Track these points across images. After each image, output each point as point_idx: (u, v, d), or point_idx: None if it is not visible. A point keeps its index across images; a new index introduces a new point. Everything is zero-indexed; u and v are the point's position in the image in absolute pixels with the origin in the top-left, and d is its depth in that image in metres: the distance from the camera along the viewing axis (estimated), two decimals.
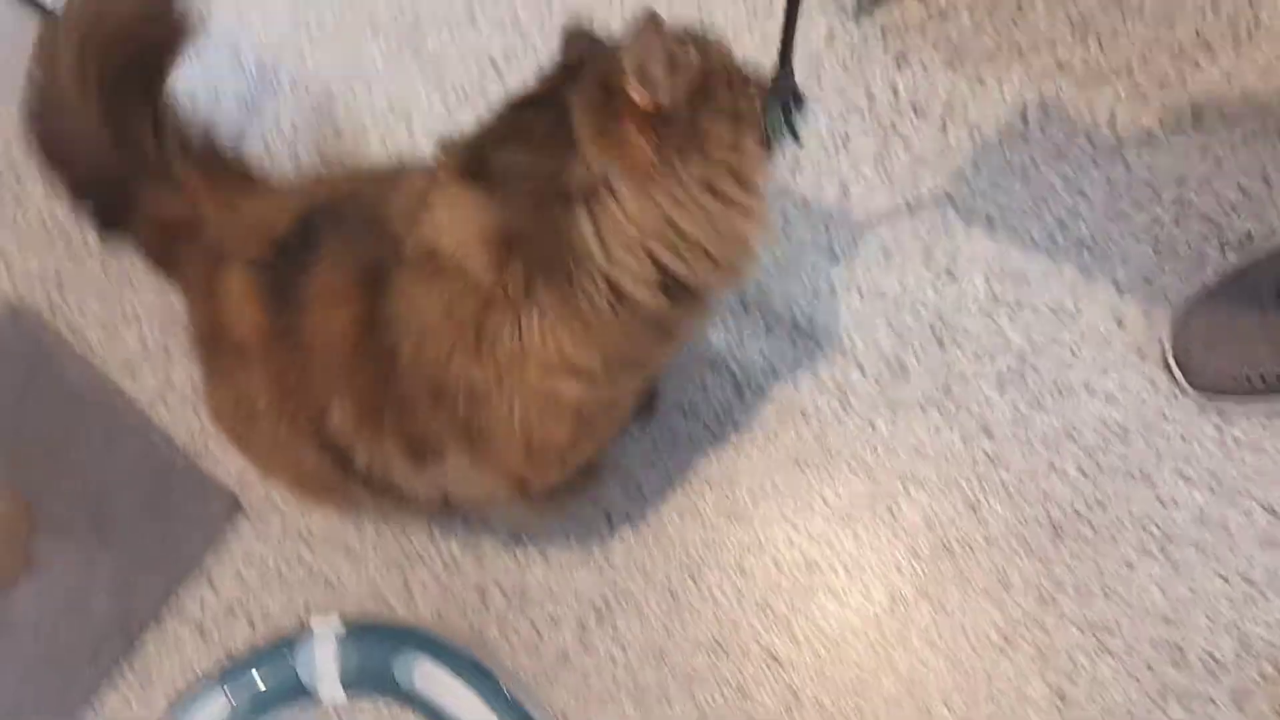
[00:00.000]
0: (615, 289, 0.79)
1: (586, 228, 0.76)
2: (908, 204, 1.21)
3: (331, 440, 0.90)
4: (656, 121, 0.75)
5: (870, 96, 1.25)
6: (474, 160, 0.80)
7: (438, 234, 0.80)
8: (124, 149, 1.02)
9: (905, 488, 1.15)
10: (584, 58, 0.81)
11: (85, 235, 1.43)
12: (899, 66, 1.25)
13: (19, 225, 1.45)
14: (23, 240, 1.44)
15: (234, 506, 1.28)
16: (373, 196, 0.89)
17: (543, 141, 0.77)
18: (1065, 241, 1.17)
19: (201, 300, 0.97)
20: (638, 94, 0.74)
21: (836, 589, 1.15)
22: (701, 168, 0.78)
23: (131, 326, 1.38)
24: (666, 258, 0.79)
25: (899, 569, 1.14)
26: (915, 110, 1.24)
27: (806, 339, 1.21)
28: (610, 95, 0.75)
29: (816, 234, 1.23)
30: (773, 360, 1.21)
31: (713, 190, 0.79)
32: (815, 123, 1.25)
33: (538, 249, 0.77)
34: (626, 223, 0.76)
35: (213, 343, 0.97)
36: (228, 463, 1.30)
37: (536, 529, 1.21)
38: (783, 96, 0.85)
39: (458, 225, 0.79)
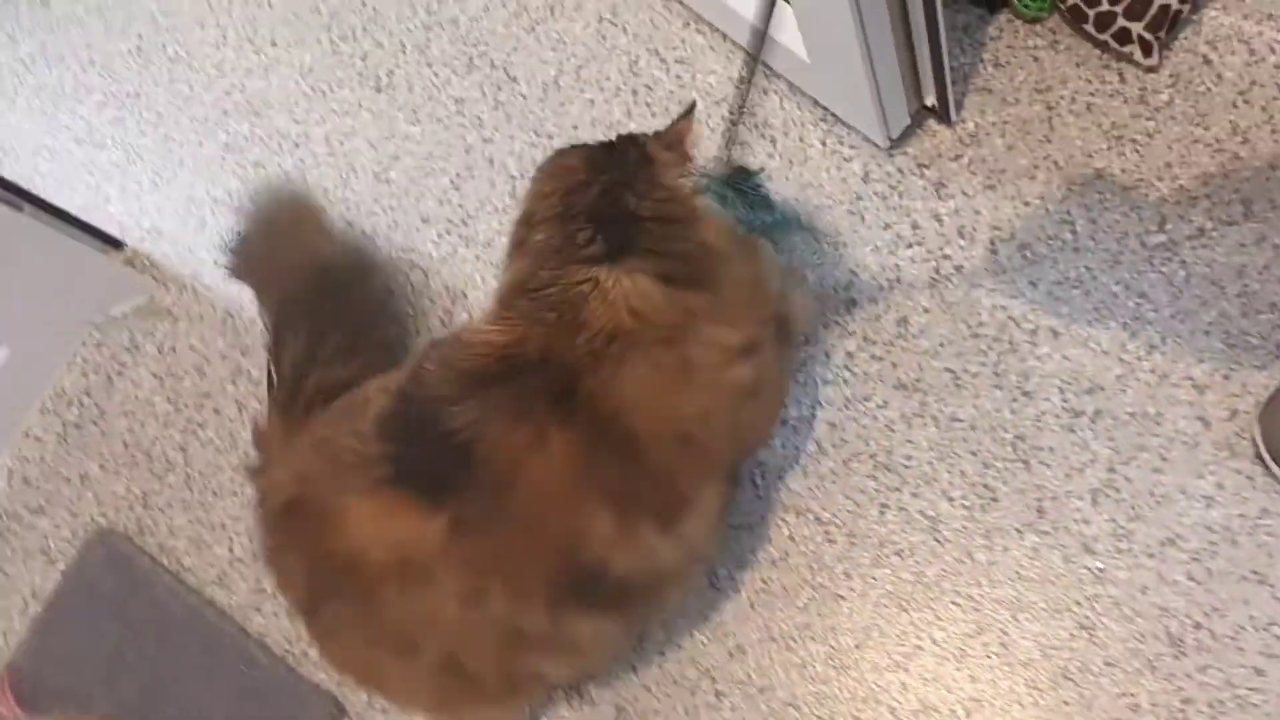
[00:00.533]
0: (729, 264, 0.99)
1: (709, 231, 0.98)
2: (969, 327, 1.22)
3: (586, 568, 0.93)
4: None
5: (915, 227, 1.27)
6: (620, 241, 0.94)
7: (615, 316, 0.90)
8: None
9: (1014, 616, 1.13)
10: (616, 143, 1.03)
11: (166, 452, 1.47)
12: (939, 195, 1.27)
13: (102, 452, 1.49)
14: (107, 465, 1.48)
15: (337, 712, 1.27)
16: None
17: (645, 193, 0.97)
18: (1135, 346, 1.17)
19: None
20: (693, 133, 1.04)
21: None
22: None
23: (220, 537, 1.41)
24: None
25: (1020, 703, 1.11)
26: (962, 235, 1.25)
27: (887, 473, 1.20)
28: (681, 137, 1.03)
29: (881, 368, 1.23)
30: (855, 498, 1.20)
31: None
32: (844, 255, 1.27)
33: (686, 269, 0.94)
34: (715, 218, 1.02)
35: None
36: (326, 666, 1.30)
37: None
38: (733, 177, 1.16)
39: (632, 298, 0.91)
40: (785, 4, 1.23)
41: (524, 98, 1.49)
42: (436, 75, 1.54)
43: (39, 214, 1.42)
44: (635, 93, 1.44)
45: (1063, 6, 1.25)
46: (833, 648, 1.17)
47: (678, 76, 1.42)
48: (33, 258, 1.41)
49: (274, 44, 1.64)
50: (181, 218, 1.59)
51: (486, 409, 0.90)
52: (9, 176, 1.55)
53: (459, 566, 0.92)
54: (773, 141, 1.35)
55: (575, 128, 1.45)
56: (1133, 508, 1.12)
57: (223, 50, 1.66)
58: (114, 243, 1.56)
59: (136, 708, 1.31)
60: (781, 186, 1.33)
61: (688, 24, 1.44)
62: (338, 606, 0.99)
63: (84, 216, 1.54)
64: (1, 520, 1.49)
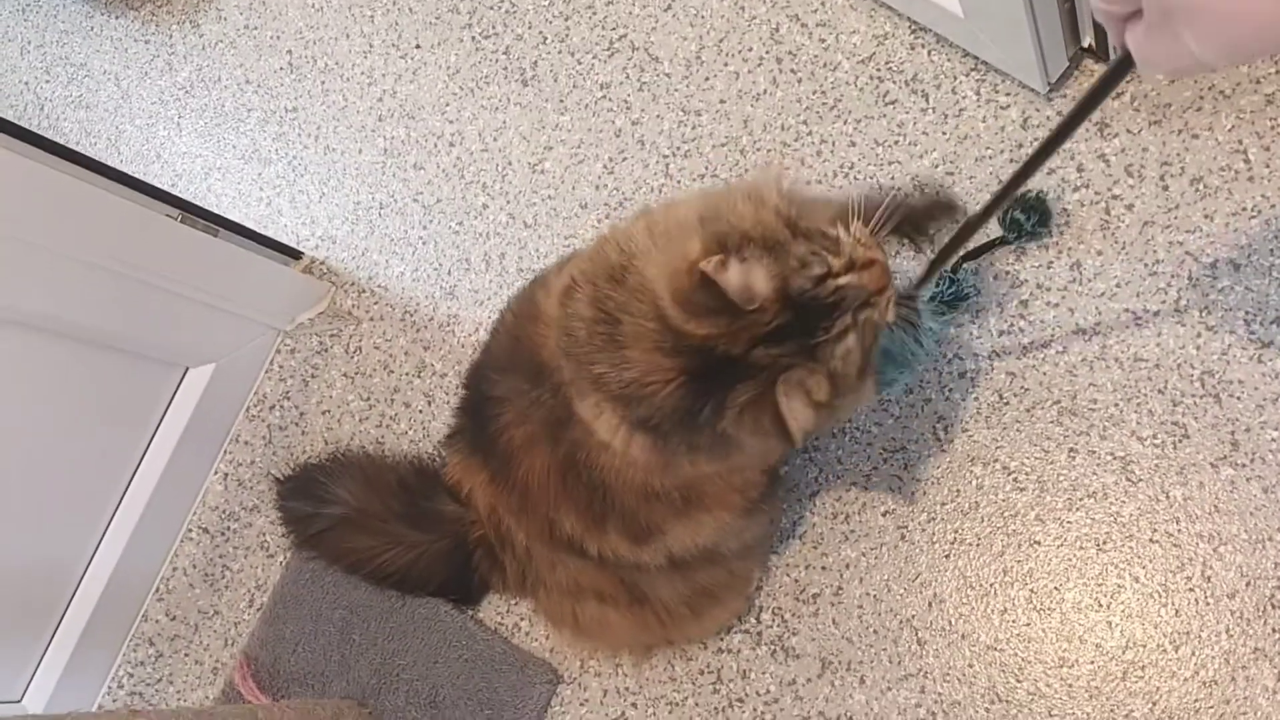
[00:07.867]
0: None
1: None
2: (1145, 266, 1.22)
3: (565, 541, 1.06)
4: None
5: (1081, 169, 1.27)
6: None
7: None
8: None
9: (1215, 550, 1.14)
10: None
11: (364, 446, 1.56)
12: (1102, 135, 1.27)
13: (306, 450, 1.60)
14: (311, 461, 1.59)
15: (554, 678, 1.36)
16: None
17: None
18: None
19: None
20: None
21: (1167, 666, 1.14)
22: None
23: None
24: None
25: (1227, 633, 1.12)
26: (1130, 174, 1.25)
27: (1072, 417, 1.22)
28: None
29: (1058, 314, 1.24)
30: (1042, 445, 1.22)
31: None
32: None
33: None
34: None
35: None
36: (539, 636, 1.38)
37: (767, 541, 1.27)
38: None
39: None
40: None
41: (668, 76, 1.52)
42: (579, 63, 1.58)
43: (230, 236, 1.51)
44: (779, 60, 1.46)
45: None
46: (1032, 591, 1.20)
47: (821, 40, 1.44)
48: (227, 277, 1.51)
49: (418, 47, 1.70)
50: (351, 223, 1.67)
51: (508, 391, 1.02)
52: (185, 198, 1.65)
53: (509, 515, 1.10)
54: (925, 96, 1.36)
55: (722, 101, 1.48)
56: None
57: (370, 58, 1.73)
58: (292, 253, 1.65)
59: (374, 687, 1.41)
60: (938, 141, 1.34)
61: None
62: (515, 579, 1.20)
63: (261, 230, 1.64)
64: (222, 521, 1.62)
